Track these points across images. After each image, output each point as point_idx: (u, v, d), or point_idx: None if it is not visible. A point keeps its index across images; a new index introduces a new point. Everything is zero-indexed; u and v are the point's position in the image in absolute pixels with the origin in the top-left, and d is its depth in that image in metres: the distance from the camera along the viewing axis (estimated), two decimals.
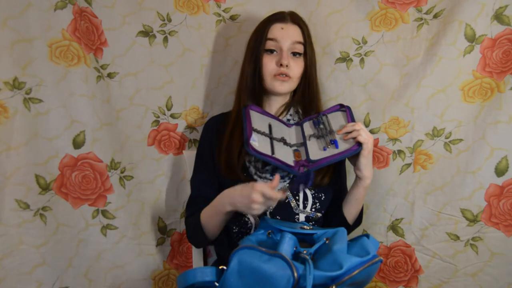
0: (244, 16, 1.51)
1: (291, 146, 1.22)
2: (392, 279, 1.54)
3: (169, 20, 1.45)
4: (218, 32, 1.52)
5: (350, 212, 1.27)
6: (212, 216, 1.19)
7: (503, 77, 1.35)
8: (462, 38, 1.36)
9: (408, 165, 1.47)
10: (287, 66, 1.24)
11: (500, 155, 1.36)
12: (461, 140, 1.41)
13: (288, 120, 1.32)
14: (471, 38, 1.36)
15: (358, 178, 1.21)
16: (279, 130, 1.24)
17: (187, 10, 1.47)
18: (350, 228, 1.29)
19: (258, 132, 1.18)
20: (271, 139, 1.19)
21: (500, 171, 1.37)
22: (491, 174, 1.38)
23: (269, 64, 1.25)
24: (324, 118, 1.25)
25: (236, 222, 1.24)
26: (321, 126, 1.23)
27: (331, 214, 1.29)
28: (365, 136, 1.14)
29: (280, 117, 1.32)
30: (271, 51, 1.25)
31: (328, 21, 1.50)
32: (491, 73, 1.37)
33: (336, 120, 1.24)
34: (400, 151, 1.47)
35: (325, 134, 1.20)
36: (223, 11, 1.51)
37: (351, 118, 1.22)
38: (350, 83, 1.51)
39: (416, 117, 1.45)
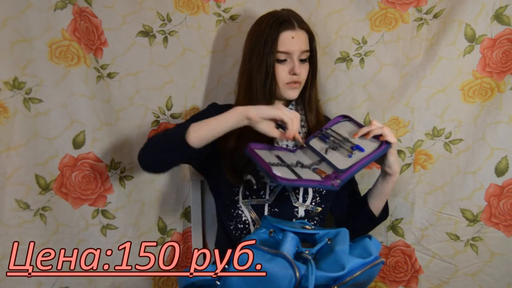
0: (244, 16, 1.51)
1: (309, 167, 1.18)
2: (392, 279, 1.54)
3: (169, 20, 1.45)
4: (218, 32, 1.51)
5: (376, 205, 1.28)
6: (205, 124, 1.12)
7: (503, 77, 1.35)
8: (462, 38, 1.36)
9: (408, 165, 1.47)
10: (299, 73, 1.24)
11: (500, 155, 1.37)
12: (461, 140, 1.41)
13: None
14: (471, 38, 1.36)
15: (387, 174, 1.21)
16: (288, 157, 1.21)
17: (187, 10, 1.47)
18: (377, 220, 1.31)
19: (273, 164, 1.13)
20: (288, 166, 1.16)
21: (500, 171, 1.37)
22: (491, 174, 1.38)
23: (282, 73, 1.24)
24: (329, 131, 1.23)
25: (231, 217, 1.24)
26: (331, 138, 1.21)
27: (357, 210, 1.30)
28: (391, 136, 1.13)
29: None
30: (283, 60, 1.24)
31: (328, 21, 1.50)
32: (491, 73, 1.37)
33: (344, 129, 1.22)
34: (400, 151, 1.47)
35: (341, 144, 1.18)
36: (223, 11, 1.51)
37: (358, 123, 1.21)
38: (350, 83, 1.51)
39: (416, 117, 1.45)
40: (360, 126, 1.21)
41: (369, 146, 1.13)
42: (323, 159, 1.17)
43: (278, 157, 1.19)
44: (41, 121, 1.30)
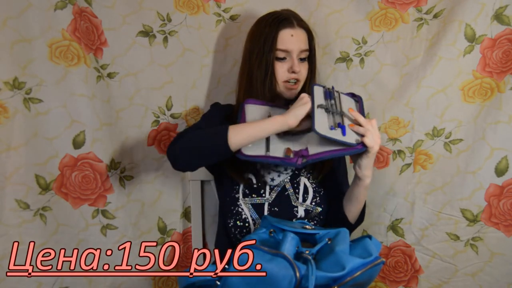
0: (244, 16, 1.51)
1: (293, 134, 1.18)
2: (392, 279, 1.54)
3: (169, 20, 1.45)
4: (218, 32, 1.51)
5: (350, 210, 1.25)
6: (243, 131, 1.12)
7: (503, 77, 1.35)
8: (462, 38, 1.36)
9: (408, 165, 1.47)
10: (298, 71, 1.24)
11: (500, 155, 1.37)
12: (461, 140, 1.41)
13: None
14: (471, 38, 1.36)
15: (357, 177, 1.18)
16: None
17: (187, 10, 1.47)
18: (351, 226, 1.27)
19: None
20: None
21: (500, 171, 1.37)
22: (491, 174, 1.38)
23: (280, 71, 1.25)
24: (336, 93, 1.21)
25: (230, 214, 1.24)
26: (332, 101, 1.18)
27: (333, 212, 1.28)
28: (372, 140, 1.09)
29: None
30: (282, 58, 1.25)
31: (328, 21, 1.50)
32: (491, 73, 1.37)
33: (347, 104, 1.20)
34: (400, 151, 1.47)
35: (334, 112, 1.15)
36: (223, 11, 1.51)
37: (362, 109, 1.20)
38: (350, 83, 1.51)
39: (416, 117, 1.45)
40: (361, 112, 1.19)
41: (350, 136, 1.10)
42: (312, 112, 1.13)
43: (269, 116, 1.19)
44: (41, 121, 1.30)
